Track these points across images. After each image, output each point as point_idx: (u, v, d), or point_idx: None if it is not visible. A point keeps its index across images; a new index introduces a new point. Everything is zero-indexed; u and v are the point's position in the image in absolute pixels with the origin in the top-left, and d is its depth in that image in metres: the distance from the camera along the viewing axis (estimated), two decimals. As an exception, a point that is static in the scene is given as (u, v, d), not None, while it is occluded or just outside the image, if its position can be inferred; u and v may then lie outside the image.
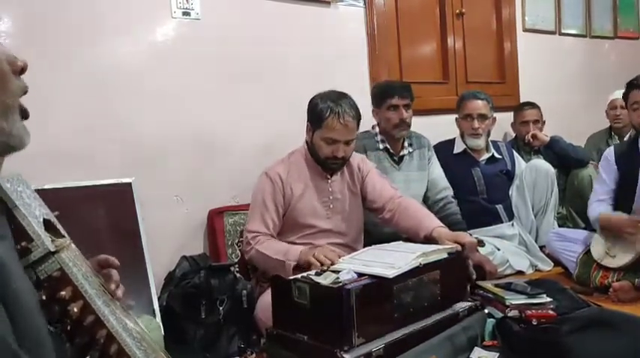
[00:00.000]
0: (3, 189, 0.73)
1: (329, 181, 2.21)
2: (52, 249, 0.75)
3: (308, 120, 2.17)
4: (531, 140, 3.36)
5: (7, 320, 0.64)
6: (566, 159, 3.30)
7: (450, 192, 2.82)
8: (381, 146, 2.70)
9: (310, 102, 2.17)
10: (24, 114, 0.76)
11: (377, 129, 2.75)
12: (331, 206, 2.20)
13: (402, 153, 2.74)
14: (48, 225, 0.78)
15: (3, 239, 0.70)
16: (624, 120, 3.57)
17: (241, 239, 2.42)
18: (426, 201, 2.78)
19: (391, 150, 2.72)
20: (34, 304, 0.70)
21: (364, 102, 2.85)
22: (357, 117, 2.14)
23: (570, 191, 3.34)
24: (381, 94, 2.68)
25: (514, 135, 3.58)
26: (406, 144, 2.76)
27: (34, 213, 0.75)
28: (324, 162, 2.16)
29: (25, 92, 0.77)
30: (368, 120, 2.77)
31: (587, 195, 3.10)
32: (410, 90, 2.69)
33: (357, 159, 2.32)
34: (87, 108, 2.21)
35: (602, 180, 2.69)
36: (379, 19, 3.13)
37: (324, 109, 2.08)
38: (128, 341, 0.76)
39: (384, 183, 2.30)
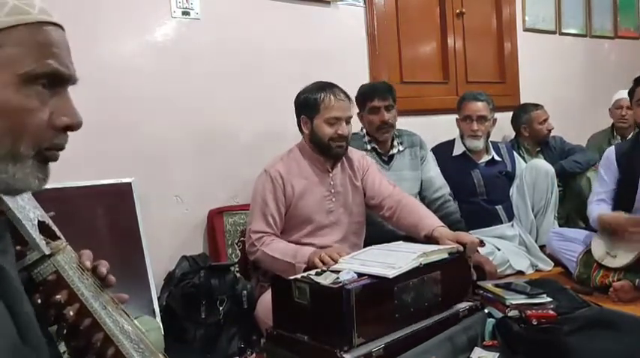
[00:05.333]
0: None
1: (330, 174, 2.21)
2: (47, 252, 0.74)
3: (303, 115, 2.18)
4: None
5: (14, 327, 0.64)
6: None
7: (447, 190, 2.80)
8: (368, 146, 2.68)
9: (297, 98, 2.20)
10: (45, 160, 0.72)
11: (364, 131, 2.73)
12: (333, 199, 2.20)
13: (391, 152, 2.72)
14: (43, 228, 0.78)
15: (4, 253, 0.69)
16: (629, 120, 3.55)
17: (241, 239, 2.42)
18: (422, 200, 2.75)
19: (379, 150, 2.70)
20: (33, 321, 0.69)
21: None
22: (349, 97, 2.19)
23: (569, 192, 3.34)
24: (362, 97, 2.65)
25: (514, 135, 3.58)
26: (396, 142, 2.73)
27: (29, 216, 0.74)
28: (329, 147, 2.15)
29: (59, 149, 0.73)
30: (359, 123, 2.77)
31: (586, 195, 3.10)
32: (391, 91, 2.65)
33: (357, 154, 2.33)
34: (86, 107, 2.20)
35: (602, 179, 2.68)
36: (379, 19, 3.12)
37: (317, 95, 2.13)
38: (125, 343, 0.76)
39: (383, 180, 2.30)
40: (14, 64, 0.68)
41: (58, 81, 0.73)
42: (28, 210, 0.75)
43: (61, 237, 0.81)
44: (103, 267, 0.84)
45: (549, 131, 3.44)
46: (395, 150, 2.72)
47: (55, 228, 0.81)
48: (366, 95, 2.65)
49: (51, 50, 0.71)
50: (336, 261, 1.82)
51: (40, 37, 0.70)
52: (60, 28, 0.74)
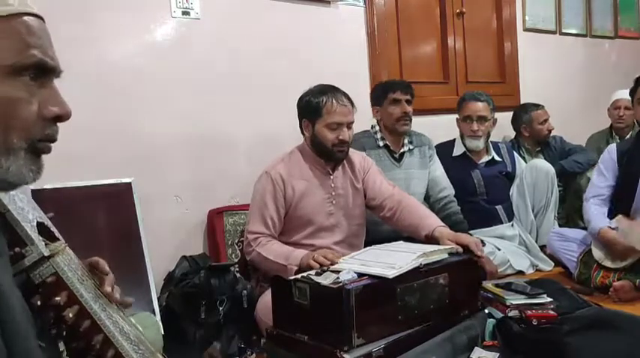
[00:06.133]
0: None
1: (331, 177, 2.21)
2: (47, 254, 0.74)
3: (304, 118, 2.17)
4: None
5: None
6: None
7: (452, 191, 2.81)
8: (381, 143, 2.69)
9: (300, 101, 2.19)
10: (38, 152, 0.71)
11: (377, 128, 2.74)
12: (334, 202, 2.20)
13: (402, 151, 2.73)
14: (42, 229, 0.77)
15: (0, 256, 0.69)
16: (627, 120, 3.55)
17: (241, 239, 2.42)
18: (427, 199, 2.77)
19: (391, 148, 2.71)
20: (28, 328, 0.68)
21: (364, 103, 2.86)
22: (351, 102, 2.17)
23: (569, 192, 3.34)
24: (384, 90, 2.69)
25: (514, 135, 3.58)
26: (406, 141, 2.75)
27: (28, 217, 0.74)
28: (331, 152, 2.14)
29: (51, 140, 0.72)
30: (367, 121, 2.77)
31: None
32: (411, 88, 2.70)
33: (358, 155, 2.33)
34: (87, 107, 2.21)
35: (602, 174, 2.66)
36: (379, 19, 3.12)
37: (320, 99, 2.12)
38: (125, 345, 0.76)
39: (383, 181, 2.30)
40: None
41: (44, 72, 0.72)
42: (27, 212, 0.75)
43: (60, 238, 0.81)
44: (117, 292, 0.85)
45: (550, 131, 3.44)
46: (405, 149, 2.74)
47: (54, 229, 0.81)
48: (387, 87, 2.69)
49: (34, 41, 0.70)
50: (331, 261, 1.80)
51: (22, 28, 0.69)
52: (40, 19, 0.74)
